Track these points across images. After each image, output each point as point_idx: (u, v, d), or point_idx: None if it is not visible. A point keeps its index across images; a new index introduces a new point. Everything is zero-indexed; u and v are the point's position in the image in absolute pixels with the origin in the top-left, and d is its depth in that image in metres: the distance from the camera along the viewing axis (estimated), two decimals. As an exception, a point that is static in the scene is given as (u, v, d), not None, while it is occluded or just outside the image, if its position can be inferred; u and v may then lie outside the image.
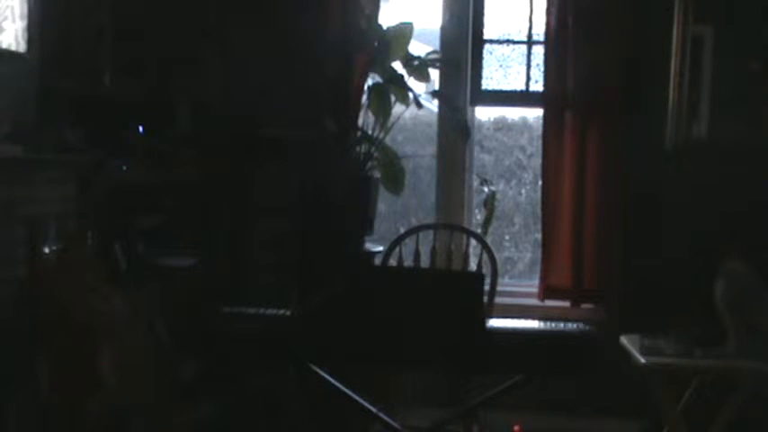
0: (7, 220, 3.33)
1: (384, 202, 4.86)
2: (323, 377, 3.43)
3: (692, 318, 3.84)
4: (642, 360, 3.68)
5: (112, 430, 3.34)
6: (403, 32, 4.52)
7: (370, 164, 4.57)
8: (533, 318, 3.80)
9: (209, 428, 4.04)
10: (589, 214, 4.46)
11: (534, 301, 4.58)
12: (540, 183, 4.62)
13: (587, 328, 3.34)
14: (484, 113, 5.06)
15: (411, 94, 4.51)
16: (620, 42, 4.41)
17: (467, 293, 3.17)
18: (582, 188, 4.46)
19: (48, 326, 3.26)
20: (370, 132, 4.57)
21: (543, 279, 4.56)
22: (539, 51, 4.59)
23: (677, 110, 4.44)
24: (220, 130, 4.62)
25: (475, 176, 4.87)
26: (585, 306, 4.53)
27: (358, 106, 4.56)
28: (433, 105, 4.84)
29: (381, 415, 3.49)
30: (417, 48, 4.63)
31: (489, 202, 4.54)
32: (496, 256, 4.42)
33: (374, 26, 4.54)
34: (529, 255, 5.09)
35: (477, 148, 4.96)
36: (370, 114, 4.58)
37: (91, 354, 3.26)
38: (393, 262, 4.41)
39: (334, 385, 3.45)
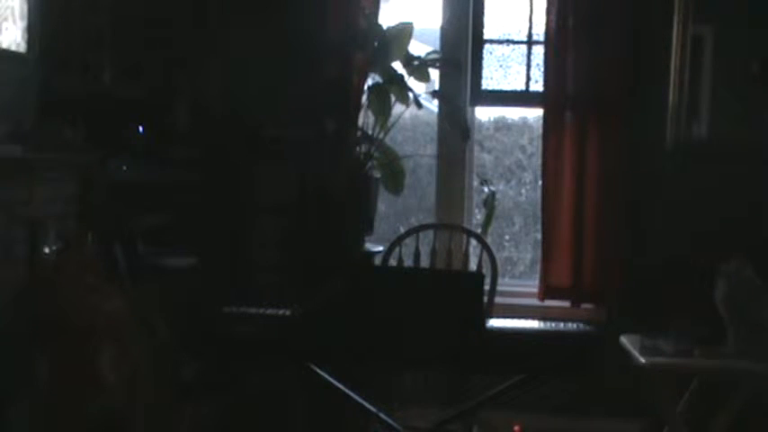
0: (7, 220, 3.33)
1: (384, 202, 4.86)
2: (323, 377, 3.43)
3: (692, 318, 3.84)
4: (642, 360, 3.68)
5: (113, 430, 3.34)
6: (403, 32, 4.52)
7: (370, 164, 4.56)
8: (533, 318, 3.80)
9: (209, 428, 4.04)
10: (589, 214, 4.46)
11: (534, 301, 4.58)
12: (540, 183, 4.62)
13: (587, 328, 3.34)
14: (484, 113, 5.06)
15: (411, 94, 4.51)
16: (620, 42, 4.41)
17: (467, 293, 3.17)
18: (582, 188, 4.46)
19: (48, 326, 3.26)
20: (370, 132, 4.57)
21: (543, 279, 4.56)
22: (539, 51, 4.59)
23: (677, 110, 4.44)
24: (220, 129, 4.62)
25: (475, 176, 4.87)
26: (585, 306, 4.53)
27: (358, 106, 4.56)
28: (433, 105, 4.84)
29: (381, 415, 3.49)
30: (417, 48, 4.63)
31: (489, 202, 4.54)
32: (496, 256, 4.43)
33: (374, 26, 4.54)
34: (529, 255, 5.09)
35: (477, 148, 4.96)
36: (370, 114, 4.58)
37: (91, 354, 3.26)
38: (393, 262, 4.41)
39: (334, 385, 3.45)
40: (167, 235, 4.27)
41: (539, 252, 4.63)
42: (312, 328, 3.22)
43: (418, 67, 4.56)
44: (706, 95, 4.44)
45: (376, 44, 4.51)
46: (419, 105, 4.54)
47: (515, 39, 4.73)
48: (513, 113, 5.12)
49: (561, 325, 3.36)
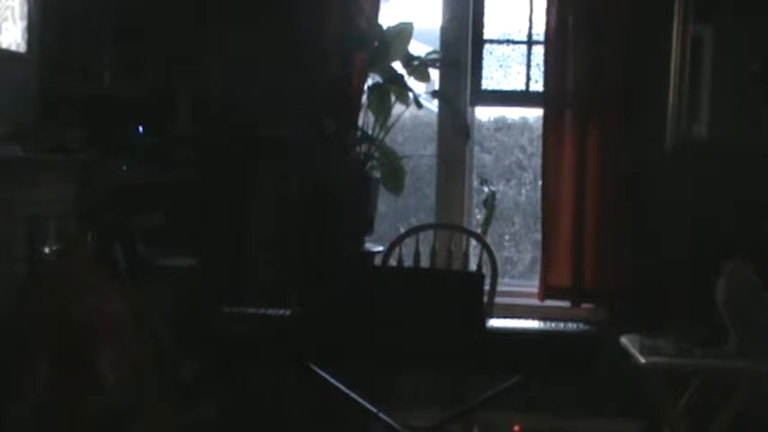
0: (7, 220, 3.33)
1: (384, 202, 4.86)
2: (323, 377, 3.43)
3: (692, 318, 3.84)
4: (642, 360, 3.68)
5: (112, 430, 3.34)
6: (403, 32, 4.52)
7: (370, 164, 4.57)
8: (533, 318, 3.80)
9: (209, 428, 4.04)
10: (589, 214, 4.46)
11: (534, 301, 4.58)
12: (540, 183, 4.62)
13: (587, 328, 3.34)
14: (484, 113, 5.05)
15: (411, 94, 4.51)
16: (620, 42, 4.41)
17: (467, 293, 3.17)
18: (582, 188, 4.45)
19: (48, 326, 3.26)
20: (370, 132, 4.57)
21: (543, 279, 4.55)
22: (539, 51, 4.59)
23: (677, 110, 4.44)
24: (220, 129, 4.62)
25: (475, 176, 4.87)
26: (585, 306, 4.53)
27: (358, 106, 4.56)
28: (433, 105, 4.84)
29: (381, 415, 3.50)
30: (417, 48, 4.63)
31: (489, 202, 4.54)
32: (496, 256, 4.42)
33: (374, 26, 4.54)
34: (529, 255, 5.09)
35: (477, 148, 4.96)
36: (370, 114, 4.58)
37: (91, 354, 3.26)
38: (393, 262, 4.41)
39: (334, 385, 3.45)
40: (167, 235, 4.27)
41: (539, 252, 4.63)
42: (312, 328, 3.22)
43: (418, 67, 4.56)
44: (706, 95, 4.44)
45: (376, 44, 4.51)
46: (419, 105, 4.54)
47: (515, 39, 4.73)
48: (513, 113, 5.11)
49: (561, 325, 3.36)
